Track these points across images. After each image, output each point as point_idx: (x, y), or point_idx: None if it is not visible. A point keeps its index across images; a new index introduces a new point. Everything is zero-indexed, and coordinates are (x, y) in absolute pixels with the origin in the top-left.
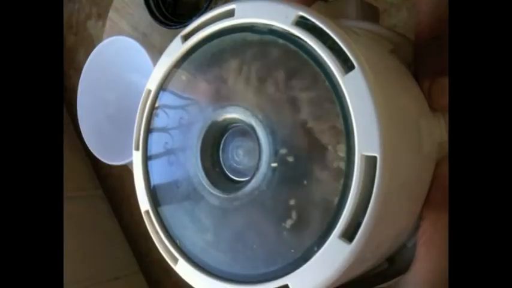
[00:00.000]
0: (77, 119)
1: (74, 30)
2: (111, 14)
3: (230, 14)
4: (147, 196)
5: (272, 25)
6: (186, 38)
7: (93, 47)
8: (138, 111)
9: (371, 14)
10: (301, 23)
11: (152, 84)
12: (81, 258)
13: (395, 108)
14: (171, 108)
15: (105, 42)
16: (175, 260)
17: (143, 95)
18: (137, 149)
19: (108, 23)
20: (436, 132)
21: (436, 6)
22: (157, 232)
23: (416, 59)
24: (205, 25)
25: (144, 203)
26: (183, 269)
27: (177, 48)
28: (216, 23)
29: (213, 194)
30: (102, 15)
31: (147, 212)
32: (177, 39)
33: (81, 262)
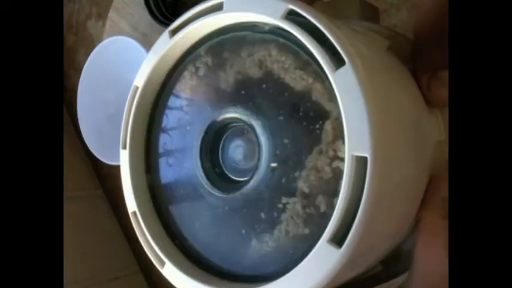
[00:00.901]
0: (77, 119)
1: (74, 30)
2: (111, 14)
3: (218, 7)
4: (134, 197)
5: (261, 20)
6: (173, 32)
7: (93, 47)
8: (126, 108)
9: (371, 14)
10: (292, 17)
11: (139, 80)
12: (81, 258)
13: (390, 106)
14: (171, 107)
15: (105, 42)
16: (162, 263)
17: (130, 92)
18: (124, 147)
19: (108, 23)
20: (434, 131)
21: (437, 1)
22: (144, 234)
23: (414, 55)
24: (193, 19)
25: (131, 204)
26: (169, 272)
27: (164, 43)
28: (204, 17)
29: (212, 194)
30: (102, 15)
31: (134, 213)
32: (165, 35)
33: (81, 262)
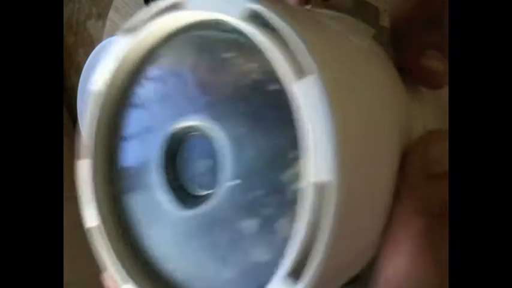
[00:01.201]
0: (77, 119)
1: (74, 30)
2: (111, 14)
3: (179, 5)
4: (96, 211)
5: (222, 19)
6: (129, 31)
7: (93, 47)
8: (84, 117)
9: (370, 14)
10: (256, 17)
11: (96, 86)
12: (81, 258)
13: (363, 115)
14: (130, 115)
15: (105, 42)
16: (124, 282)
17: (89, 99)
18: (84, 157)
19: (108, 23)
20: (418, 127)
21: None
22: (104, 250)
23: (399, 37)
24: (153, 17)
25: (90, 219)
26: None
27: (121, 45)
28: (164, 15)
29: (171, 210)
30: (102, 15)
31: (93, 228)
32: (120, 35)
33: (81, 262)
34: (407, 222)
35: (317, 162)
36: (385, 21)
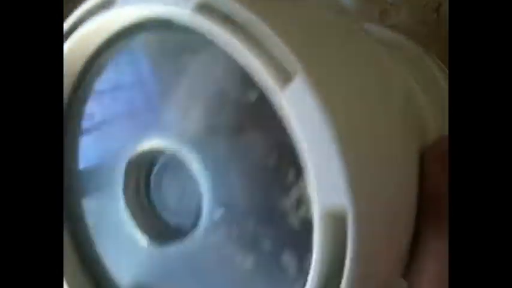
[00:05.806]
0: None
1: None
2: None
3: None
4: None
5: (171, 14)
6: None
7: None
8: None
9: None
10: (211, 8)
11: None
12: None
13: (367, 119)
14: (83, 134)
15: None
16: None
17: None
18: None
19: None
20: (431, 125)
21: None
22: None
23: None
24: (83, 20)
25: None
26: None
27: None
28: (97, 15)
29: (142, 244)
30: None
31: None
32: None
33: None
34: (436, 252)
35: (324, 183)
36: (385, 21)
